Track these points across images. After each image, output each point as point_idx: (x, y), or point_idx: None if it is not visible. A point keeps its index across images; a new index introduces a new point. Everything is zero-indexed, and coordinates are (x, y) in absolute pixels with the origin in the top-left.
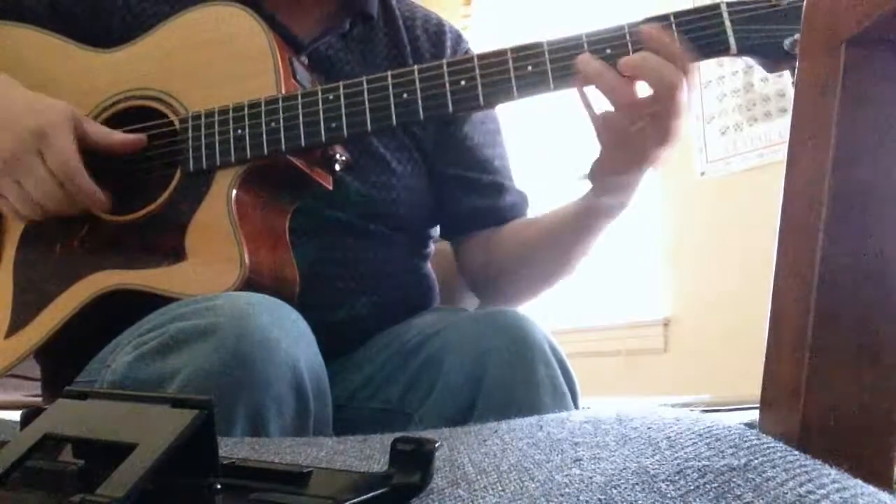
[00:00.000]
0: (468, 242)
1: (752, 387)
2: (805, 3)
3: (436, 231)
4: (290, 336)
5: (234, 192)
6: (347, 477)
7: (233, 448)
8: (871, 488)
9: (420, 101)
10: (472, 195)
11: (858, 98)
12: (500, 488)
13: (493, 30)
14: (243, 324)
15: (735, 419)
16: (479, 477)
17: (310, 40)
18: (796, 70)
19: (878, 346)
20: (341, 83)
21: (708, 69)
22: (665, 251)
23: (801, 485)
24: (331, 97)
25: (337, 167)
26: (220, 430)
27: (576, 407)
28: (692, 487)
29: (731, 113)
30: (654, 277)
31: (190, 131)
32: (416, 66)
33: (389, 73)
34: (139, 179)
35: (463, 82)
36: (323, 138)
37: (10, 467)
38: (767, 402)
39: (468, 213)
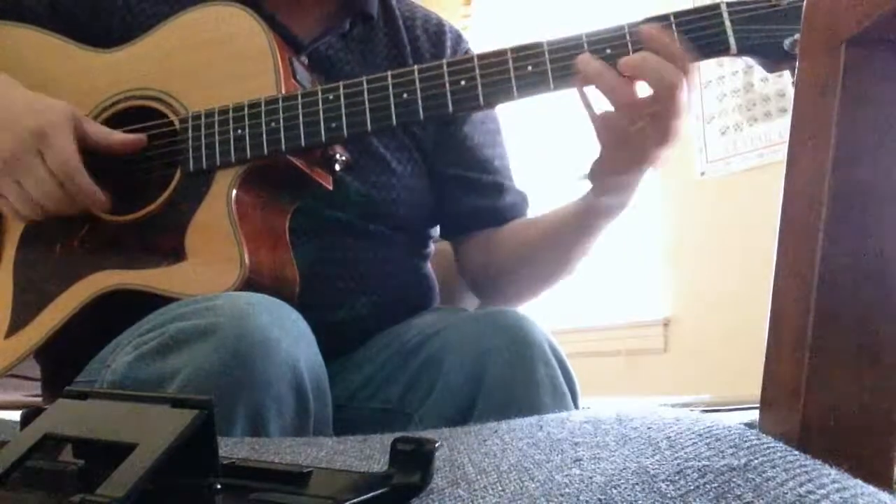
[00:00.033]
0: (468, 242)
1: (752, 387)
2: (805, 3)
3: (436, 231)
4: (290, 336)
5: (234, 191)
6: (347, 477)
7: (233, 448)
8: (871, 488)
9: (420, 101)
10: (472, 195)
11: (858, 98)
12: (500, 488)
13: (493, 30)
14: (243, 324)
15: (735, 419)
16: (479, 477)
17: (310, 40)
18: (796, 70)
19: (878, 346)
20: (341, 83)
21: (708, 69)
22: (665, 251)
23: (801, 485)
24: (331, 97)
25: (337, 167)
26: (220, 430)
27: (576, 407)
28: (692, 487)
29: (731, 113)
30: (654, 277)
31: (190, 131)
32: (416, 66)
33: (389, 73)
34: (139, 179)
35: (463, 82)
36: (323, 138)
37: (10, 467)
38: (767, 402)
39: (468, 213)
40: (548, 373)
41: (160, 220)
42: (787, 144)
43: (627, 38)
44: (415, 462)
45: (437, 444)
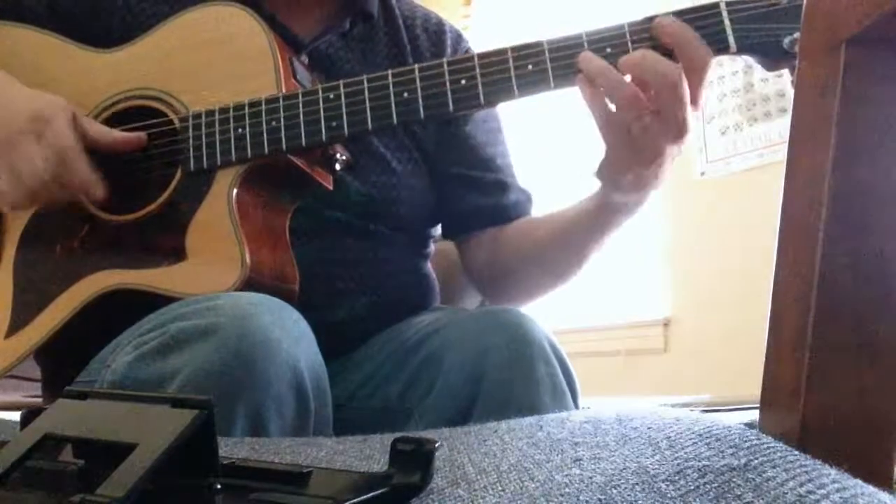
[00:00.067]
0: (473, 242)
1: (752, 387)
2: (805, 2)
3: (436, 231)
4: (290, 336)
5: (235, 191)
6: (347, 477)
7: (233, 448)
8: (871, 488)
9: (421, 100)
10: (474, 194)
11: (858, 98)
12: (500, 488)
13: (493, 30)
14: (244, 324)
15: (735, 419)
16: (479, 477)
17: (310, 39)
18: (796, 69)
19: (878, 345)
20: (342, 82)
21: (709, 70)
22: (665, 251)
23: (801, 485)
24: (331, 96)
25: (337, 167)
26: (221, 429)
27: (576, 405)
28: (692, 487)
29: (731, 113)
30: (654, 277)
31: (190, 130)
32: (416, 66)
33: (390, 72)
34: (139, 179)
35: (463, 81)
36: (324, 137)
37: (10, 467)
38: (767, 402)
39: (471, 212)
40: (548, 371)
41: (160, 219)
42: (787, 144)
43: (628, 36)
44: (415, 462)
45: (437, 444)
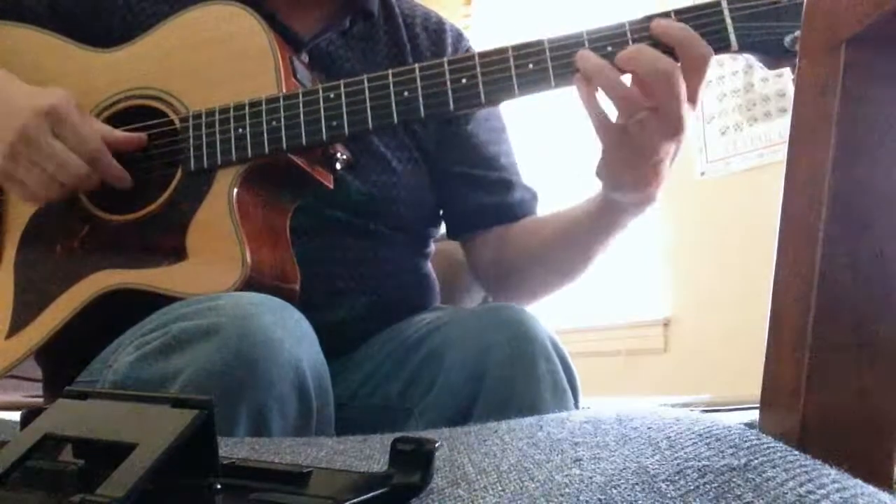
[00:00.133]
0: (478, 241)
1: (752, 387)
2: (805, 2)
3: (436, 231)
4: (292, 336)
5: (236, 191)
6: (347, 477)
7: (233, 448)
8: (871, 488)
9: (421, 99)
10: (478, 192)
11: (858, 98)
12: (500, 488)
13: (493, 29)
14: (246, 324)
15: (735, 419)
16: (479, 477)
17: (310, 38)
18: (796, 69)
19: (878, 345)
20: (342, 81)
21: (708, 69)
22: (665, 251)
23: (801, 485)
24: (332, 95)
25: (338, 166)
26: (223, 430)
27: (576, 403)
28: (692, 487)
29: (731, 113)
30: (654, 277)
31: (191, 130)
32: (416, 65)
33: (390, 71)
34: (140, 179)
35: (464, 80)
36: (324, 137)
37: (10, 467)
38: (767, 402)
39: (475, 211)
40: (549, 369)
41: (161, 219)
42: (787, 144)
43: (628, 35)
44: (415, 462)
45: (437, 444)
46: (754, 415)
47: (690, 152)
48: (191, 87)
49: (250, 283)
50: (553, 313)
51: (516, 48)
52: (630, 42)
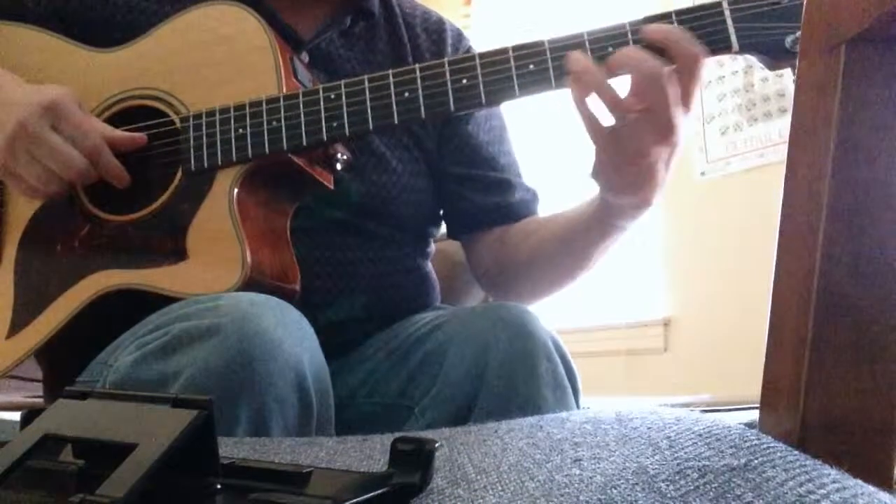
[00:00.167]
0: (479, 241)
1: (752, 387)
2: (805, 2)
3: (436, 230)
4: (293, 337)
5: (236, 191)
6: (347, 477)
7: (233, 448)
8: (871, 488)
9: (422, 100)
10: (478, 193)
11: (858, 98)
12: (500, 488)
13: (493, 29)
14: (246, 324)
15: (735, 419)
16: (479, 477)
17: (311, 37)
18: (796, 69)
19: (878, 346)
20: (342, 82)
21: (708, 69)
22: (665, 251)
23: (801, 485)
24: (332, 96)
25: (338, 166)
26: (223, 430)
27: (577, 403)
28: (692, 487)
29: (731, 113)
30: (654, 277)
31: (191, 130)
32: (417, 65)
33: (391, 71)
34: (140, 179)
35: (465, 80)
36: (324, 137)
37: (10, 467)
38: (767, 402)
39: (475, 211)
40: (550, 367)
41: (161, 219)
42: (787, 144)
43: (629, 36)
44: (415, 462)
45: (437, 444)
46: (754, 415)
47: (690, 152)
48: (191, 87)
49: (250, 284)
50: (553, 313)
51: (517, 48)
52: (630, 43)
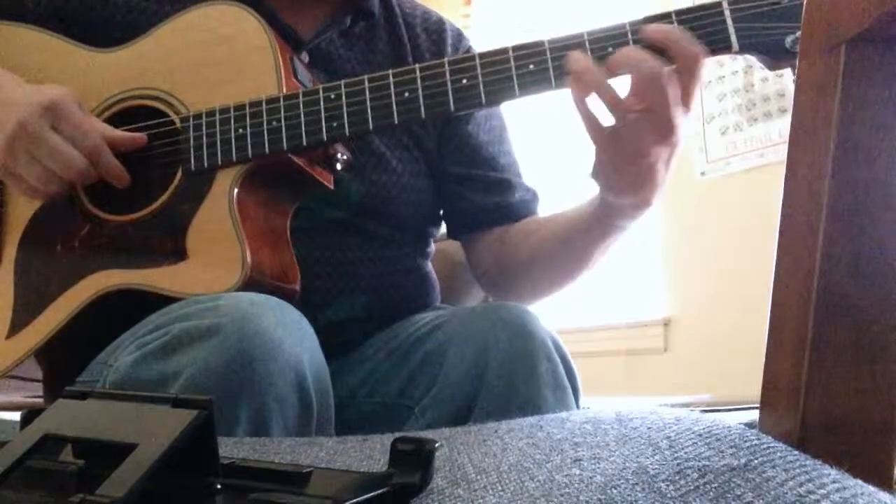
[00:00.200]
0: (479, 241)
1: (752, 387)
2: (805, 2)
3: (436, 230)
4: (293, 337)
5: (236, 191)
6: (347, 477)
7: (233, 448)
8: (871, 488)
9: (422, 100)
10: (478, 193)
11: (858, 98)
12: (500, 488)
13: (493, 29)
14: (246, 324)
15: (735, 419)
16: (479, 477)
17: (311, 37)
18: (796, 69)
19: (878, 346)
20: (342, 82)
21: (708, 69)
22: (665, 251)
23: (801, 485)
24: (332, 96)
25: (338, 166)
26: (223, 430)
27: (577, 403)
28: (692, 487)
29: (731, 113)
30: (654, 277)
31: (191, 130)
32: (417, 65)
33: (391, 71)
34: (140, 179)
35: (465, 80)
36: (324, 137)
37: (10, 467)
38: (767, 402)
39: (475, 211)
40: (550, 367)
41: (161, 219)
42: (787, 144)
43: (629, 36)
44: (415, 462)
45: (437, 444)
46: (754, 415)
47: (690, 152)
48: (191, 87)
49: (250, 284)
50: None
51: (517, 48)
52: (630, 43)
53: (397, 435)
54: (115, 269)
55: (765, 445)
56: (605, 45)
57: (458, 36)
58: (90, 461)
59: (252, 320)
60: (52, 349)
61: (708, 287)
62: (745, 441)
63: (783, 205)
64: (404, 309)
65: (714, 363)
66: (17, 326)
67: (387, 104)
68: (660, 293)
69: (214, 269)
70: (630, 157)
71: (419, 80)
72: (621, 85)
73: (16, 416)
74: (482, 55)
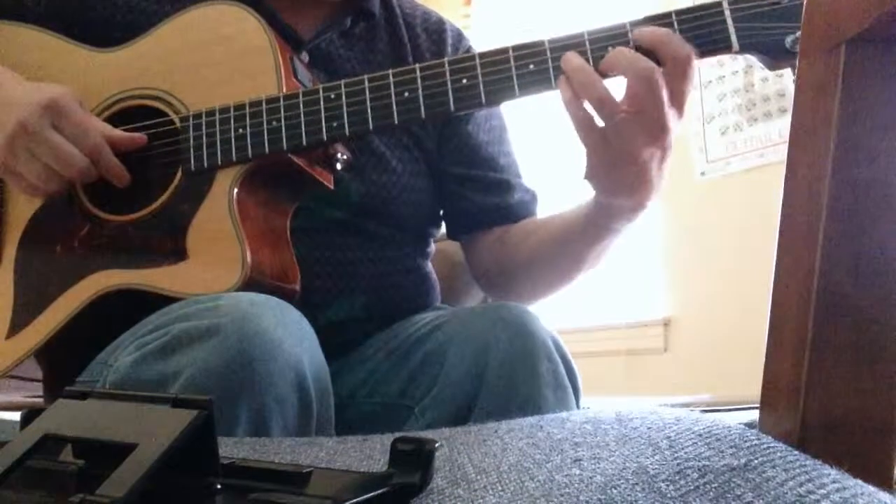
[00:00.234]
0: (477, 241)
1: (752, 387)
2: (805, 2)
3: (436, 230)
4: (293, 337)
5: (236, 191)
6: (347, 477)
7: (233, 448)
8: (871, 488)
9: (422, 100)
10: (478, 193)
11: (858, 98)
12: (500, 488)
13: (493, 29)
14: (246, 325)
15: (735, 419)
16: (479, 477)
17: (311, 37)
18: (796, 69)
19: (878, 346)
20: (342, 82)
21: (708, 69)
22: (665, 251)
23: (801, 485)
24: (332, 96)
25: (338, 166)
26: (223, 430)
27: (577, 402)
28: (692, 487)
29: (731, 113)
30: (654, 277)
31: (191, 130)
32: (417, 65)
33: (391, 71)
34: (140, 179)
35: (465, 80)
36: (324, 137)
37: (10, 467)
38: (767, 402)
39: (475, 212)
40: (550, 367)
41: (161, 219)
42: (787, 144)
43: (629, 36)
44: (415, 462)
45: (437, 444)
46: (754, 415)
47: (690, 152)
48: (191, 87)
49: (250, 284)
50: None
51: (517, 48)
52: (630, 43)
53: (397, 435)
54: (115, 269)
55: (765, 445)
56: (604, 45)
57: (458, 36)
58: (90, 461)
59: (252, 320)
60: (52, 349)
61: (708, 287)
62: (745, 441)
63: (783, 205)
64: (404, 309)
65: (714, 363)
66: (17, 326)
67: (387, 104)
68: (660, 293)
69: (214, 269)
70: (621, 158)
71: (419, 80)
72: (619, 88)
73: (16, 416)
74: (482, 55)
